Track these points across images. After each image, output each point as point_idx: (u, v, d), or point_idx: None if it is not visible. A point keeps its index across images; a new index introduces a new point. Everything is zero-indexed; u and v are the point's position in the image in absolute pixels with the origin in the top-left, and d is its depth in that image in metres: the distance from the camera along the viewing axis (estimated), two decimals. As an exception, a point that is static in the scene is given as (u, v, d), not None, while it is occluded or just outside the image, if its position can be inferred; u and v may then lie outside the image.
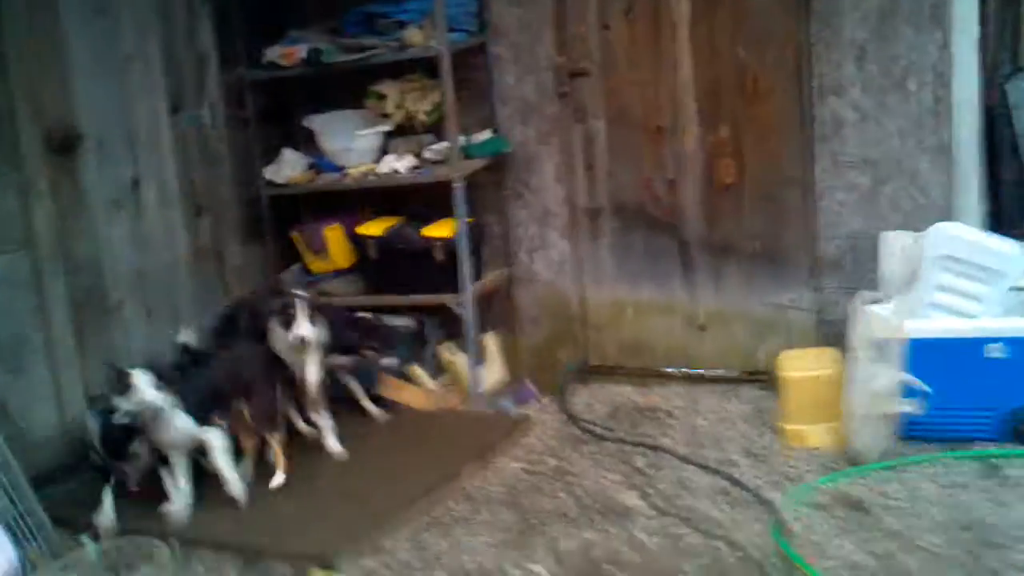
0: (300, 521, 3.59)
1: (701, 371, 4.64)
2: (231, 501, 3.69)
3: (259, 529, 3.56)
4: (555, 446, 4.19)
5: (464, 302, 4.52)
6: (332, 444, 4.14)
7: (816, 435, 3.85)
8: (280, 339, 4.11)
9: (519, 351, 4.94)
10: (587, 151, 4.75)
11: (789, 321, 4.46)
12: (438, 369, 4.86)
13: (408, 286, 4.63)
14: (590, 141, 4.73)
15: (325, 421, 4.18)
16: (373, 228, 4.70)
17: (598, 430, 4.27)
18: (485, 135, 4.76)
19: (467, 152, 4.66)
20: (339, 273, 4.96)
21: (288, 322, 4.05)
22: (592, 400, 4.66)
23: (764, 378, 4.46)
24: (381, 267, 4.69)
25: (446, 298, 4.55)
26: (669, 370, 4.71)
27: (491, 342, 4.84)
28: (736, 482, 3.63)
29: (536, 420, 4.47)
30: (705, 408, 4.39)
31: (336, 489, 3.86)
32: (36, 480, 3.82)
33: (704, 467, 3.80)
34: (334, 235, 4.89)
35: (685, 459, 3.89)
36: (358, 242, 4.75)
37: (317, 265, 4.97)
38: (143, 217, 4.54)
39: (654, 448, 4.03)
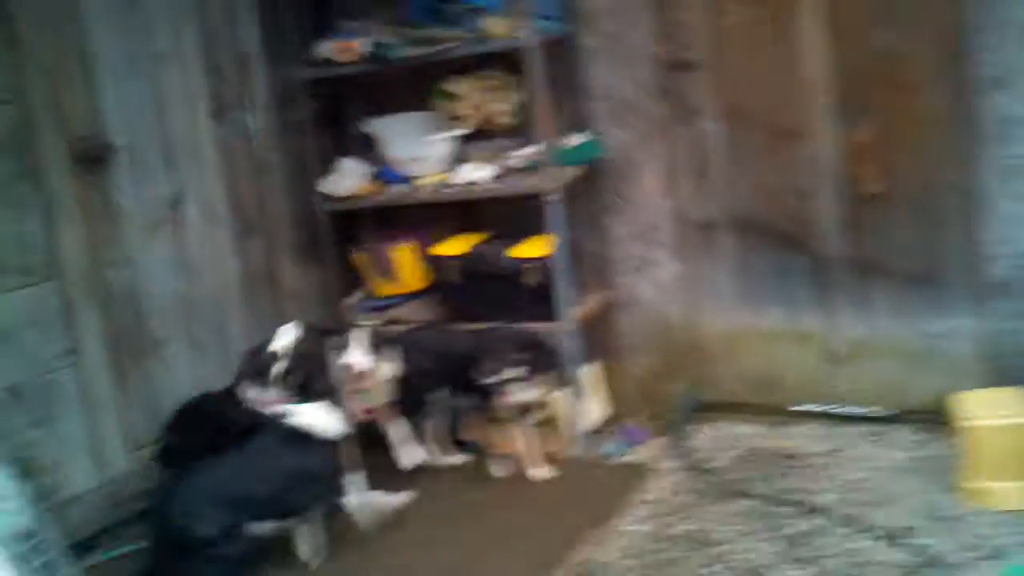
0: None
1: (843, 409, 3.97)
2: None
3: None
4: (684, 503, 3.53)
5: (562, 331, 3.85)
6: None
7: (1016, 495, 3.18)
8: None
9: (621, 385, 4.28)
10: (697, 156, 4.09)
11: (947, 354, 3.79)
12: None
13: (494, 313, 3.96)
14: (700, 145, 4.07)
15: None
16: (452, 247, 4.04)
17: (733, 484, 3.61)
18: (578, 139, 4.10)
19: (557, 159, 4.00)
20: (410, 297, 4.30)
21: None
22: (713, 443, 4.00)
23: (917, 419, 3.82)
24: (461, 291, 4.03)
25: (539, 327, 3.88)
26: (802, 408, 4.05)
27: (590, 376, 4.17)
28: (932, 560, 2.96)
29: (653, 469, 3.80)
30: (855, 456, 3.72)
31: (427, 567, 3.17)
32: (72, 549, 3.20)
33: (883, 538, 3.12)
34: (404, 256, 4.24)
35: (854, 526, 3.22)
36: (434, 263, 4.09)
37: (385, 289, 4.32)
38: (185, 238, 3.90)
39: (808, 509, 3.36)
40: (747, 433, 4.02)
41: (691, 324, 4.20)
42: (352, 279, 4.42)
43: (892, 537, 3.11)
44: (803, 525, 3.27)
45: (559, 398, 4.00)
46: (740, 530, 3.29)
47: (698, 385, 4.22)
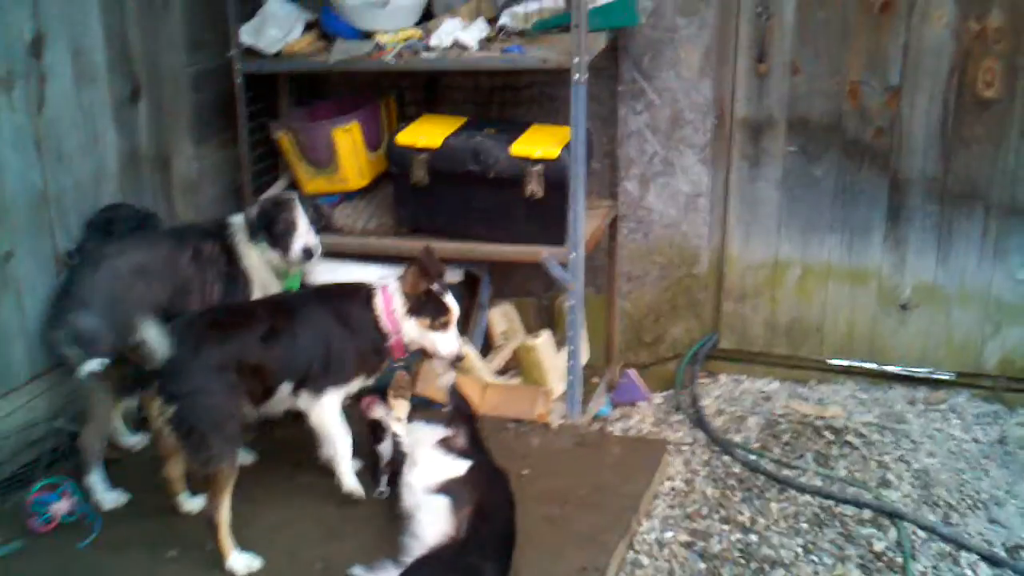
0: None
1: (897, 369, 3.22)
2: None
3: None
4: (719, 498, 2.73)
5: (574, 261, 2.90)
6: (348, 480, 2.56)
7: None
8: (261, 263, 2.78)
9: (610, 325, 3.40)
10: (759, 34, 3.14)
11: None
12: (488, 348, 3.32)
13: (473, 230, 2.98)
14: (767, 19, 3.12)
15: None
16: (424, 136, 2.98)
17: (774, 468, 2.82)
18: (604, -1, 3.03)
19: (557, 22, 2.97)
20: (349, 196, 3.26)
21: (280, 235, 2.73)
22: (731, 405, 3.21)
23: (990, 386, 3.09)
24: (430, 197, 3.00)
25: (540, 252, 2.92)
26: (841, 363, 3.27)
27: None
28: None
29: (667, 441, 2.98)
30: (918, 432, 2.99)
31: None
32: None
33: (994, 561, 2.41)
34: (347, 140, 3.16)
35: (949, 540, 2.47)
36: (392, 154, 3.04)
37: (316, 183, 3.25)
38: (48, 103, 2.74)
39: (887, 514, 2.60)
40: (767, 392, 3.27)
41: (714, 250, 3.33)
42: (269, 168, 3.32)
43: (1013, 554, 2.39)
44: (881, 537, 2.53)
45: (539, 345, 3.08)
46: (801, 544, 2.53)
47: (711, 328, 3.39)
